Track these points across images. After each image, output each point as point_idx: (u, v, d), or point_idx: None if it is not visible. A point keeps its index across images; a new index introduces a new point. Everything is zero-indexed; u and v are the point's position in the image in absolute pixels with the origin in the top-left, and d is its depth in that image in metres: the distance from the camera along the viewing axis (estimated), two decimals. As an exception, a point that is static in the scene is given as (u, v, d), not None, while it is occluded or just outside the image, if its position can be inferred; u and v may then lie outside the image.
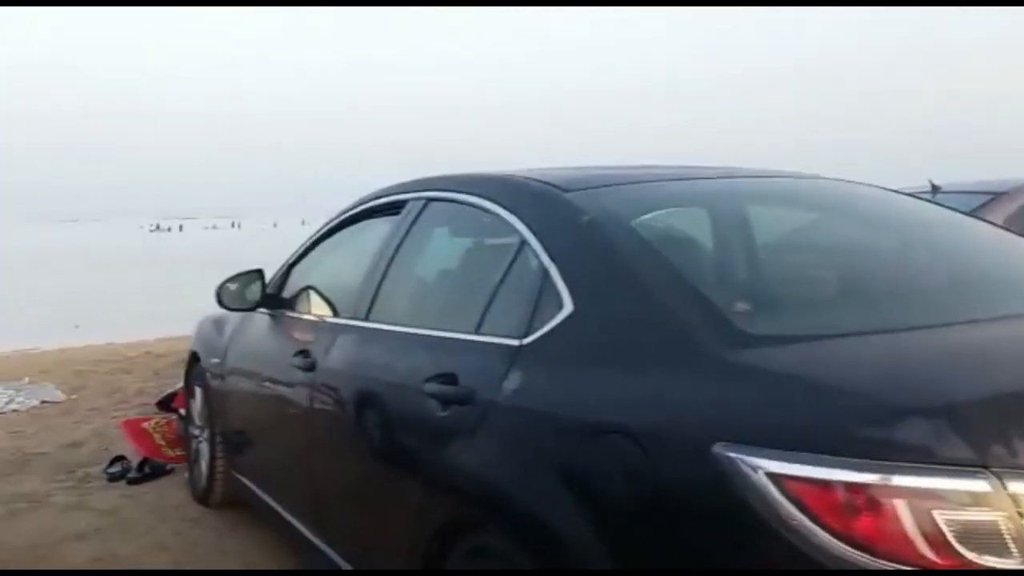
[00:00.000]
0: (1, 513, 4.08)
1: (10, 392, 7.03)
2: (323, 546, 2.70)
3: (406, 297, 2.57)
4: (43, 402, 6.69)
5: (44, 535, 3.75)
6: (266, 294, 3.42)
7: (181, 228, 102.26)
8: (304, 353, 2.79)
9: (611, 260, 1.80)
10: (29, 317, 15.59)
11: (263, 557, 3.42)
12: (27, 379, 7.58)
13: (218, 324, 3.98)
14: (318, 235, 3.36)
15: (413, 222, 2.56)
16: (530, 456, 1.71)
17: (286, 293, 3.41)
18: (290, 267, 3.46)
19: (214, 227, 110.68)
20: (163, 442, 5.33)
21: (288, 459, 3.04)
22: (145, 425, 5.80)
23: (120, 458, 4.81)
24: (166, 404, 6.06)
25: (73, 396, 6.89)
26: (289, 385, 2.89)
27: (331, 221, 3.29)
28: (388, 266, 2.56)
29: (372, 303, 2.55)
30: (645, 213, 2.15)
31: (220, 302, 3.42)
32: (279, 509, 3.12)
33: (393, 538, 2.18)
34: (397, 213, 2.67)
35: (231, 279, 3.43)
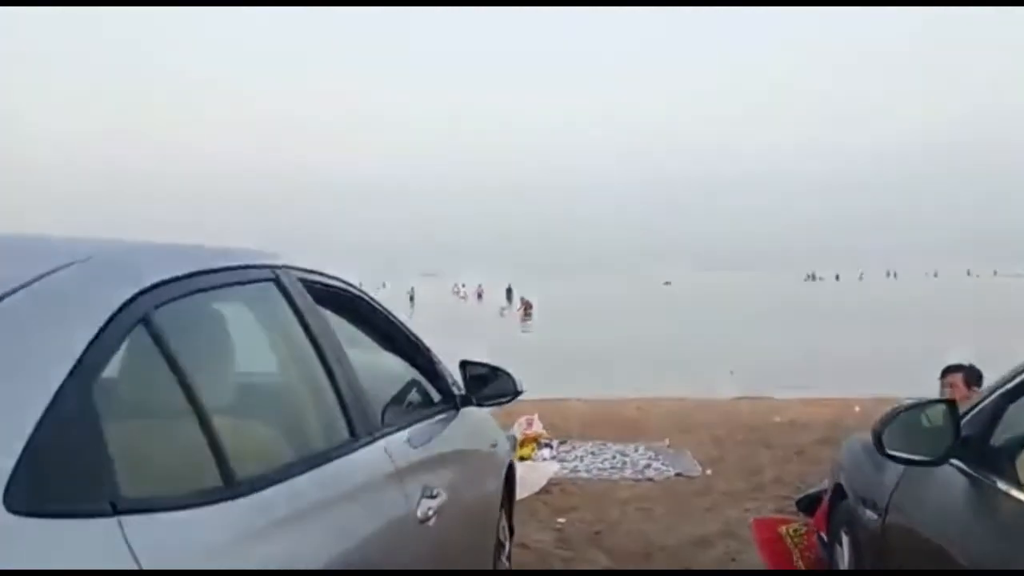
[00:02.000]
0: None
1: (650, 454, 6.81)
2: None
3: None
4: (678, 474, 6.23)
5: None
6: (961, 437, 2.10)
7: (837, 278, 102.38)
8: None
9: None
10: (690, 360, 16.38)
11: None
12: (667, 441, 7.32)
13: (874, 455, 2.75)
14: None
15: None
16: None
17: (997, 441, 2.04)
18: (1006, 398, 2.07)
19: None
20: (800, 563, 4.31)
21: None
22: (781, 530, 4.85)
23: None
24: (807, 506, 5.04)
25: (708, 471, 6.30)
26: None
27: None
28: None
29: None
30: None
31: (879, 446, 2.21)
32: None
33: None
34: None
35: (901, 411, 2.22)
